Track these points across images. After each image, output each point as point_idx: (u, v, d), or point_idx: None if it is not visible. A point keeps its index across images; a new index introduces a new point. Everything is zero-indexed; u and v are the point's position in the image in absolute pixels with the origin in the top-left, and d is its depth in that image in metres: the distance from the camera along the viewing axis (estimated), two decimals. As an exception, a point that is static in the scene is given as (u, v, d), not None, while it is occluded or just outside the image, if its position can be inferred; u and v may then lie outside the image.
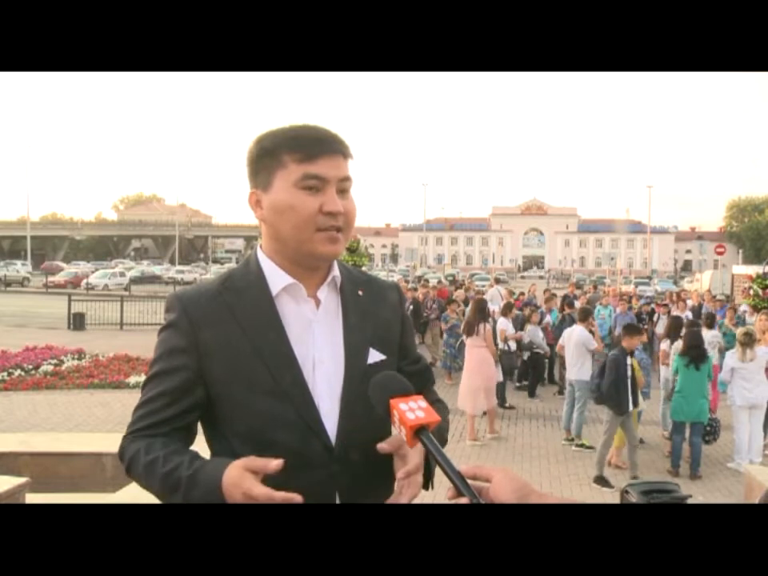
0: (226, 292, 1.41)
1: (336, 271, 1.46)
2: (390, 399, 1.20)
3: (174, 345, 1.38)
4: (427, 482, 1.41)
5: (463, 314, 11.36)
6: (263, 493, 1.17)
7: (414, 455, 1.30)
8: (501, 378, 9.61)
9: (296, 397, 1.36)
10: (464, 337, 8.90)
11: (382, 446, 1.31)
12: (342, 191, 1.38)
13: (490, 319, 9.38)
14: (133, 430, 1.38)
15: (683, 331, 8.10)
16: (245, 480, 1.19)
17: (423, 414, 1.17)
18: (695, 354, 7.20)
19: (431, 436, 1.16)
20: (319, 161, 1.35)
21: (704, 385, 7.18)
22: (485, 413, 8.66)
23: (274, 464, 1.21)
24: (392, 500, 1.30)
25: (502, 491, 1.09)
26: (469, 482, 1.10)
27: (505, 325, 10.59)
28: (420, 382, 1.59)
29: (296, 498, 1.18)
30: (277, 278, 1.41)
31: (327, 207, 1.34)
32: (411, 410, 1.17)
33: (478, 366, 8.36)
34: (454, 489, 1.10)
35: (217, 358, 1.36)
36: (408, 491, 1.29)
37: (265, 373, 1.35)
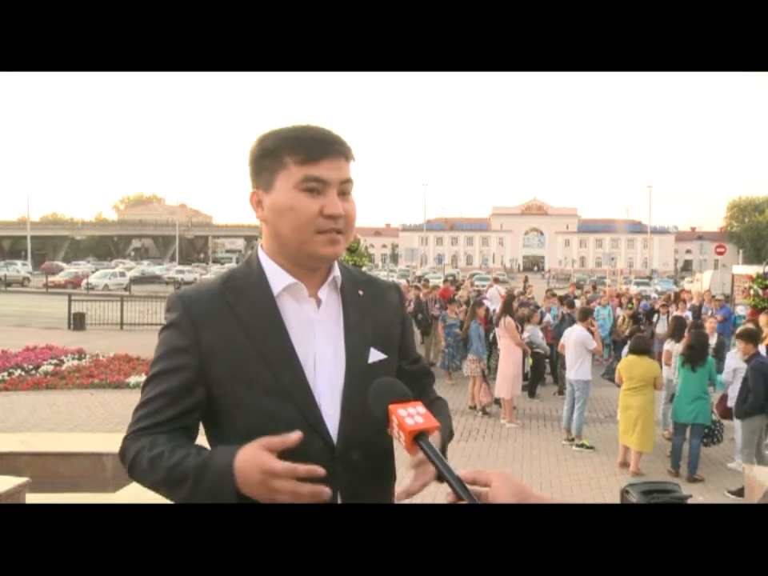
0: (228, 291, 1.41)
1: (336, 271, 1.47)
2: (388, 405, 1.20)
3: (176, 344, 1.37)
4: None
5: (464, 314, 11.36)
6: (284, 467, 1.17)
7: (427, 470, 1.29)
8: (526, 368, 10.77)
9: (297, 396, 1.36)
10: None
11: (400, 495, 1.31)
12: (343, 193, 1.38)
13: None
14: (134, 429, 1.38)
15: (686, 331, 8.11)
16: (263, 457, 1.19)
17: (422, 420, 1.17)
18: (691, 354, 7.18)
19: (430, 442, 1.16)
20: (321, 163, 1.35)
21: (700, 386, 7.13)
22: (499, 405, 9.56)
23: (292, 438, 1.20)
24: (404, 488, 1.30)
25: (500, 495, 1.09)
26: (468, 486, 1.10)
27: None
28: (420, 381, 1.59)
29: (318, 470, 1.18)
30: (278, 277, 1.42)
31: (328, 210, 1.34)
32: (410, 415, 1.17)
33: (506, 354, 9.44)
34: (453, 493, 1.10)
35: (218, 357, 1.36)
36: (421, 478, 1.30)
37: (266, 372, 1.35)
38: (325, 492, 1.20)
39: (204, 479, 1.23)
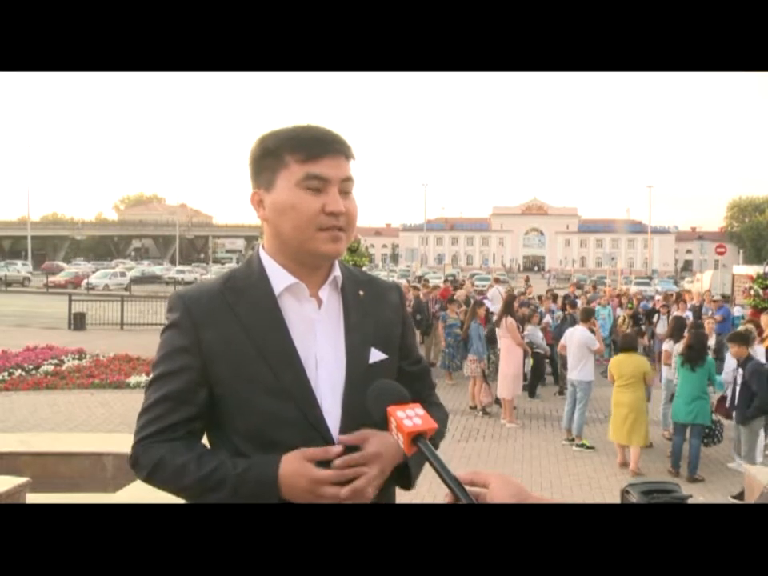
0: (229, 291, 1.41)
1: (337, 271, 1.47)
2: (387, 407, 1.20)
3: (177, 345, 1.38)
4: (408, 482, 1.45)
5: (464, 314, 11.36)
6: (330, 474, 1.29)
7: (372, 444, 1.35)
8: (526, 369, 10.82)
9: (298, 395, 1.36)
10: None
11: (342, 438, 1.36)
12: (344, 191, 1.39)
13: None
14: (143, 436, 1.37)
15: (686, 331, 8.10)
16: (307, 468, 1.29)
17: (420, 422, 1.17)
18: (690, 354, 7.18)
19: (428, 443, 1.16)
20: (321, 161, 1.36)
21: (700, 386, 7.12)
22: (499, 405, 9.55)
23: (334, 451, 1.31)
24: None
25: (499, 496, 1.09)
26: (466, 487, 1.10)
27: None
28: (420, 382, 1.59)
29: (361, 470, 1.32)
30: (279, 277, 1.42)
31: (329, 207, 1.35)
32: (409, 417, 1.18)
33: (506, 355, 9.45)
34: (452, 495, 1.10)
35: (219, 357, 1.36)
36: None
37: (267, 371, 1.35)
38: (366, 494, 1.32)
39: (245, 488, 1.29)
